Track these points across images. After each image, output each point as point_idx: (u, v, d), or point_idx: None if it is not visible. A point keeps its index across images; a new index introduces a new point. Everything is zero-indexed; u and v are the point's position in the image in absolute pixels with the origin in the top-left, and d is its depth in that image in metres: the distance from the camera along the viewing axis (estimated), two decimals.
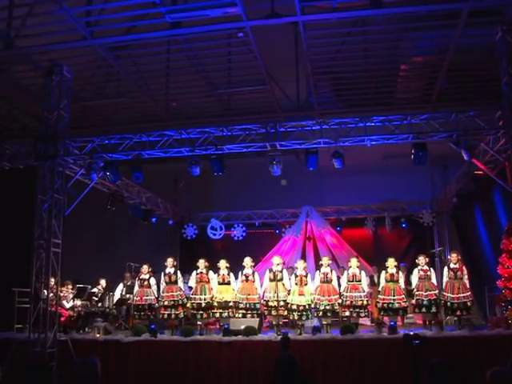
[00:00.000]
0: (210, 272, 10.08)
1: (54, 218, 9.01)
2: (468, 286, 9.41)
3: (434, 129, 8.90)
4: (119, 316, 10.96)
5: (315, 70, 10.37)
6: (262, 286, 10.16)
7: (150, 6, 8.07)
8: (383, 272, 9.91)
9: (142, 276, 10.35)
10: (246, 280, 9.97)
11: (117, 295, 11.01)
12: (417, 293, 9.59)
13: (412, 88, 11.72)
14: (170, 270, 10.09)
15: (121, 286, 11.18)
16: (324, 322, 9.54)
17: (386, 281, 9.74)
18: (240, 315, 9.70)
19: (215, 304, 9.74)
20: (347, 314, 9.73)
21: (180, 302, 9.85)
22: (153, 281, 10.34)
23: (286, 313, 9.74)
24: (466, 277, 9.48)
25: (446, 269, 9.77)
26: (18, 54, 9.33)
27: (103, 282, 11.05)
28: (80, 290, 10.40)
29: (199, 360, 8.65)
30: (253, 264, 10.28)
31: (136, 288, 10.36)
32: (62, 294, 9.96)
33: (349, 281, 9.88)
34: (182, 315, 9.87)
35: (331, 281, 9.89)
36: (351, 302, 9.62)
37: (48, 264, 8.80)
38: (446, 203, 13.65)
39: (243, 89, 11.21)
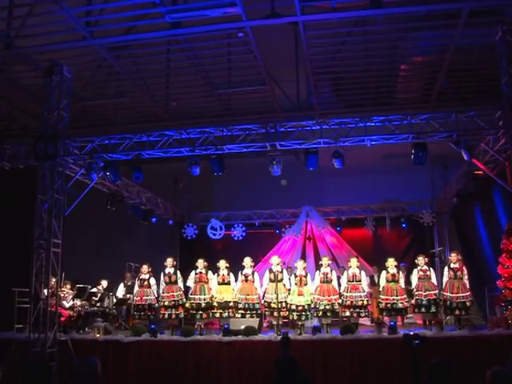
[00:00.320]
0: (209, 272, 10.08)
1: (54, 218, 9.01)
2: (468, 286, 9.41)
3: (434, 129, 8.90)
4: (119, 316, 10.96)
5: (315, 70, 10.37)
6: (261, 286, 10.17)
7: (150, 6, 8.07)
8: (384, 272, 9.92)
9: (142, 276, 10.36)
10: (246, 280, 9.97)
11: (118, 295, 11.02)
12: (416, 293, 9.60)
13: (412, 88, 11.72)
14: (169, 269, 10.09)
15: (121, 285, 11.19)
16: (324, 322, 9.54)
17: (388, 281, 9.74)
18: (239, 315, 9.70)
19: (215, 304, 9.75)
20: (347, 314, 9.74)
21: (180, 302, 9.85)
22: (153, 281, 10.35)
23: (286, 313, 9.74)
24: (466, 277, 9.49)
25: (446, 268, 9.78)
26: (18, 54, 9.32)
27: (104, 283, 11.05)
28: (80, 290, 10.40)
29: (199, 360, 8.65)
30: (252, 264, 10.29)
31: (136, 288, 10.36)
32: (61, 295, 9.96)
33: (349, 281, 9.88)
34: (182, 315, 9.87)
35: (331, 281, 9.90)
36: (351, 302, 9.63)
37: (48, 264, 8.80)
38: (446, 203, 13.65)
39: (243, 89, 11.20)
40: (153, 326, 9.34)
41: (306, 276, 9.93)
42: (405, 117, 8.95)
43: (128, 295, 10.94)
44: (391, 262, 9.85)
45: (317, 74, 10.63)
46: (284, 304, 9.67)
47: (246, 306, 9.75)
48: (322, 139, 9.13)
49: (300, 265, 10.11)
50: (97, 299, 10.45)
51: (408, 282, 10.46)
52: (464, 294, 9.24)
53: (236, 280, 10.07)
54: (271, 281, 9.91)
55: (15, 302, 9.77)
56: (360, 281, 9.87)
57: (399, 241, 14.98)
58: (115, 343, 9.00)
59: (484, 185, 10.52)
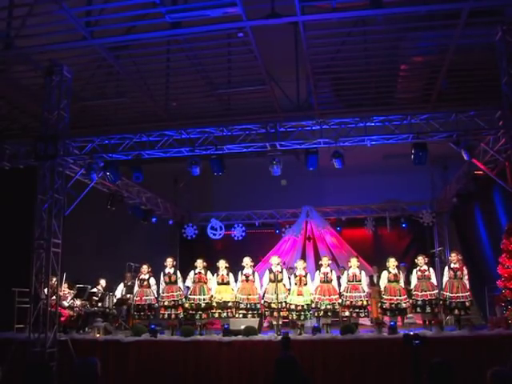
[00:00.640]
0: (208, 272, 10.08)
1: (54, 217, 9.00)
2: (468, 286, 9.41)
3: (434, 129, 8.90)
4: (119, 316, 10.96)
5: (315, 70, 10.37)
6: (261, 286, 10.17)
7: (150, 6, 8.07)
8: (385, 272, 9.91)
9: (142, 276, 10.35)
10: (247, 280, 9.97)
11: (117, 295, 11.02)
12: (413, 293, 9.62)
13: (412, 88, 11.72)
14: (169, 270, 10.09)
15: (121, 285, 11.19)
16: (324, 322, 9.54)
17: (390, 281, 9.73)
18: (241, 315, 9.70)
19: (214, 304, 9.75)
20: (347, 314, 9.73)
21: (180, 302, 9.85)
22: (152, 281, 10.34)
23: (286, 313, 9.74)
24: (466, 277, 9.48)
25: (446, 268, 9.78)
26: (18, 54, 9.32)
27: (103, 282, 11.06)
28: (80, 290, 10.40)
29: (199, 360, 8.65)
30: (252, 264, 10.29)
31: (136, 288, 10.36)
32: (61, 294, 9.96)
33: (349, 281, 9.88)
34: (181, 315, 9.87)
35: (331, 281, 9.90)
36: (351, 302, 9.62)
37: (48, 264, 8.80)
38: (446, 203, 13.65)
39: (243, 89, 11.21)
40: (153, 326, 9.34)
41: (305, 276, 9.93)
42: (405, 117, 8.95)
43: (128, 295, 10.94)
44: (392, 262, 9.85)
45: (317, 74, 10.63)
46: (284, 304, 9.66)
47: (248, 306, 9.75)
48: (322, 139, 9.13)
49: (300, 265, 10.11)
50: (97, 299, 10.45)
51: (407, 281, 10.46)
52: (463, 294, 9.23)
53: (236, 280, 10.07)
54: (271, 281, 9.91)
55: (15, 302, 9.77)
56: (360, 281, 9.87)
57: (399, 241, 14.98)
58: (115, 343, 9.00)
59: (484, 185, 10.52)
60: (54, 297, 9.08)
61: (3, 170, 10.13)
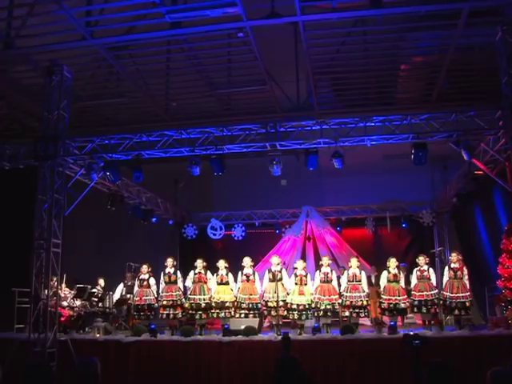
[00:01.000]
0: (208, 272, 10.09)
1: (54, 218, 9.00)
2: (468, 286, 9.40)
3: (434, 129, 8.90)
4: (119, 316, 10.96)
5: (315, 70, 10.37)
6: (262, 286, 10.17)
7: (150, 6, 8.06)
8: (385, 272, 9.91)
9: (142, 276, 10.36)
10: (247, 280, 9.98)
11: (117, 295, 11.02)
12: (412, 293, 9.62)
13: (412, 88, 11.72)
14: (169, 269, 10.10)
15: (121, 285, 11.19)
16: (324, 322, 9.54)
17: (389, 281, 9.73)
18: (242, 315, 9.70)
19: (213, 304, 9.76)
20: (347, 314, 9.74)
21: (179, 302, 9.85)
22: (152, 281, 10.34)
23: (285, 313, 9.74)
24: (467, 277, 9.48)
25: (446, 268, 9.78)
26: (18, 54, 9.32)
27: (102, 282, 11.05)
28: (80, 290, 10.39)
29: (199, 360, 8.65)
30: (252, 264, 10.29)
31: (136, 288, 10.36)
32: (61, 294, 9.97)
33: (349, 281, 9.88)
34: (180, 315, 9.86)
35: (331, 281, 9.90)
36: (351, 302, 9.62)
37: (48, 264, 8.79)
38: (446, 203, 13.65)
39: (243, 89, 11.20)
40: (153, 326, 9.34)
41: (306, 276, 9.94)
42: (405, 117, 8.95)
43: (128, 295, 10.93)
44: (393, 262, 9.84)
45: (317, 74, 10.62)
46: (281, 303, 9.65)
47: (250, 305, 9.76)
48: (322, 139, 9.13)
49: (300, 265, 10.12)
50: (97, 299, 10.45)
51: (408, 281, 10.46)
52: (464, 294, 9.23)
53: (236, 280, 10.07)
54: (270, 280, 9.93)
55: (15, 301, 9.78)
56: (360, 281, 9.87)
57: (399, 241, 14.98)
58: (115, 343, 9.00)
59: (484, 185, 10.52)
60: (55, 297, 9.08)
61: (3, 169, 10.13)
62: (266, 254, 13.67)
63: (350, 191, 14.47)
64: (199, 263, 10.06)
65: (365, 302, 9.67)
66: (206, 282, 9.95)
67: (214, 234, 15.02)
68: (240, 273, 10.08)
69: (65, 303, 10.27)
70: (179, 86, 11.51)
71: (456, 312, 9.22)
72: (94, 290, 10.61)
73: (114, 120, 12.36)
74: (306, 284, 9.83)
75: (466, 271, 9.53)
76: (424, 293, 9.43)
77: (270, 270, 10.09)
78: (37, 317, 8.54)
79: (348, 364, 8.23)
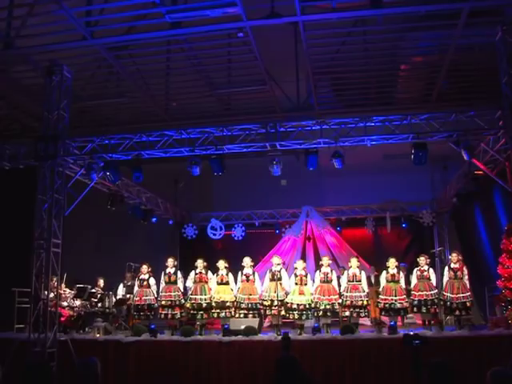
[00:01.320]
0: (209, 272, 10.09)
1: (54, 218, 9.00)
2: (468, 286, 9.40)
3: (434, 129, 8.90)
4: (119, 316, 10.96)
5: (315, 70, 10.36)
6: (262, 286, 10.17)
7: (150, 6, 8.06)
8: (384, 272, 9.92)
9: (142, 276, 10.35)
10: (247, 280, 9.98)
11: (118, 295, 11.02)
12: (412, 293, 9.62)
13: (412, 88, 11.72)
14: (170, 269, 10.10)
15: (121, 286, 11.19)
16: (324, 322, 9.54)
17: (387, 281, 9.74)
18: (242, 315, 9.71)
19: (213, 304, 9.76)
20: (347, 313, 9.74)
21: (177, 303, 9.85)
22: (152, 281, 10.34)
23: (283, 312, 9.74)
24: (467, 277, 9.48)
25: (446, 268, 9.78)
26: (18, 54, 9.31)
27: (101, 282, 11.05)
28: (80, 290, 10.39)
29: (199, 360, 8.65)
30: (252, 264, 10.30)
31: (136, 288, 10.36)
32: (62, 294, 9.97)
33: (349, 281, 9.88)
34: (178, 315, 9.85)
35: (331, 281, 9.91)
36: (351, 302, 9.62)
37: (48, 264, 8.79)
38: (446, 203, 13.65)
39: (243, 89, 11.19)
40: (153, 326, 9.34)
41: (306, 276, 9.94)
42: (405, 117, 8.95)
43: (128, 295, 10.93)
44: (392, 262, 9.85)
45: (317, 74, 10.62)
46: (279, 303, 9.64)
47: (249, 305, 9.76)
48: (322, 139, 9.13)
49: (300, 265, 10.12)
50: (97, 299, 10.45)
51: (408, 281, 10.46)
52: (464, 295, 9.23)
53: (236, 280, 10.08)
54: (270, 280, 9.94)
55: (15, 301, 9.78)
56: (360, 281, 9.87)
57: (399, 241, 14.98)
58: (115, 343, 9.00)
59: (484, 185, 10.52)
60: (55, 297, 9.08)
61: (3, 169, 10.12)
62: (266, 254, 13.66)
63: (350, 191, 14.47)
64: (200, 263, 10.06)
65: (365, 302, 9.68)
66: (206, 282, 9.96)
67: (214, 234, 15.02)
68: (240, 273, 10.08)
69: (65, 303, 10.27)
70: (179, 86, 11.51)
71: (457, 312, 9.22)
72: (93, 290, 10.60)
73: (114, 120, 12.36)
74: (305, 284, 9.84)
75: (465, 271, 9.53)
76: (424, 292, 9.43)
77: (270, 270, 10.10)
78: (37, 317, 8.54)
79: (348, 364, 8.24)
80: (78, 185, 9.99)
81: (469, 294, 9.29)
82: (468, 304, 9.21)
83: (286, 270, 10.55)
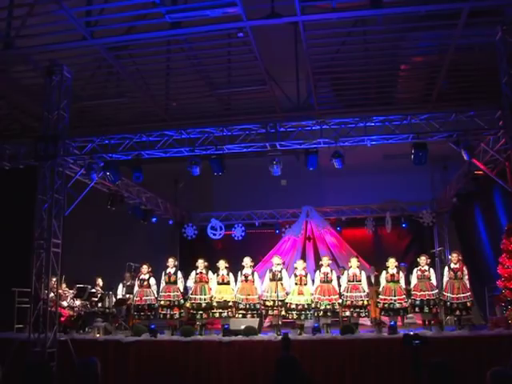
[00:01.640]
0: (209, 272, 10.09)
1: (54, 218, 9.00)
2: (468, 286, 9.40)
3: (434, 129, 8.90)
4: (119, 316, 10.96)
5: (315, 70, 10.36)
6: (262, 286, 10.17)
7: (150, 6, 8.06)
8: (384, 272, 9.92)
9: (142, 276, 10.35)
10: (246, 280, 9.98)
11: (118, 295, 11.02)
12: (412, 293, 9.62)
13: (412, 88, 11.72)
14: (170, 269, 10.10)
15: (120, 286, 11.19)
16: (324, 322, 9.54)
17: (387, 281, 9.74)
18: (240, 315, 9.70)
19: (214, 304, 9.75)
20: (347, 313, 9.73)
21: (176, 303, 9.83)
22: (152, 281, 10.33)
23: (283, 312, 9.74)
24: (467, 277, 9.48)
25: (446, 268, 9.78)
26: (18, 54, 9.31)
27: (100, 281, 11.05)
28: (80, 290, 10.40)
29: (199, 360, 8.65)
30: (252, 264, 10.29)
31: (136, 288, 10.36)
32: (62, 294, 9.96)
33: (349, 281, 9.88)
34: (177, 316, 9.84)
35: (331, 281, 9.90)
36: (352, 302, 9.62)
37: (48, 264, 8.79)
38: (446, 203, 13.65)
39: (243, 89, 11.19)
40: (153, 326, 9.34)
41: (305, 276, 9.94)
42: (405, 117, 8.95)
43: (128, 295, 10.93)
44: (392, 262, 9.84)
45: (317, 74, 10.62)
46: (280, 303, 9.64)
47: (247, 306, 9.76)
48: (322, 139, 9.13)
49: (300, 265, 10.12)
50: (97, 299, 10.45)
51: (408, 281, 10.46)
52: (465, 295, 9.23)
53: (236, 280, 10.07)
54: (270, 280, 9.94)
55: (15, 301, 9.78)
56: (360, 281, 9.87)
57: (399, 241, 14.98)
58: (115, 343, 9.00)
59: (484, 185, 10.52)
60: (55, 297, 9.08)
61: (3, 169, 10.13)
62: (266, 253, 13.67)
63: (350, 191, 14.47)
64: (201, 263, 10.06)
65: (365, 302, 9.67)
66: (207, 282, 9.95)
67: (214, 234, 15.02)
68: (240, 273, 10.08)
69: (65, 303, 10.27)
70: (179, 86, 11.51)
71: (457, 312, 9.22)
72: (93, 290, 10.60)
73: (114, 120, 12.35)
74: (305, 284, 9.84)
75: (465, 271, 9.53)
76: (426, 292, 9.42)
77: (270, 270, 10.10)
78: (37, 317, 8.54)
79: (348, 364, 8.23)
80: (78, 185, 9.99)
81: (469, 293, 9.29)
82: (468, 304, 9.20)
83: (286, 269, 10.56)
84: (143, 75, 10.94)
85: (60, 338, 8.90)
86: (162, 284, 10.05)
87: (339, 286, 10.09)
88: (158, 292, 10.19)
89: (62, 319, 9.84)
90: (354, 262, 10.07)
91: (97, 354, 8.39)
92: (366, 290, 9.95)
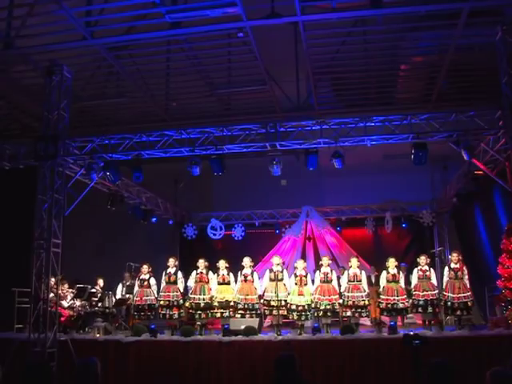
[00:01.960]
0: (210, 272, 10.09)
1: (54, 218, 9.00)
2: (468, 285, 9.40)
3: (434, 129, 8.90)
4: (119, 316, 10.96)
5: (315, 70, 10.36)
6: (262, 285, 10.17)
7: (150, 6, 8.06)
8: (384, 272, 9.91)
9: (142, 276, 10.35)
10: (245, 280, 9.97)
11: (117, 295, 11.02)
12: (414, 293, 9.61)
13: (412, 88, 11.72)
14: (171, 269, 10.10)
15: (120, 286, 11.19)
16: (324, 322, 9.54)
17: (388, 281, 9.72)
18: (239, 315, 9.70)
19: (215, 304, 9.75)
20: (348, 314, 9.72)
21: (175, 303, 9.83)
22: (153, 281, 10.33)
23: (286, 312, 9.74)
24: (467, 277, 9.48)
25: (446, 268, 9.77)
26: (18, 54, 9.31)
27: (101, 282, 11.06)
28: (80, 290, 10.40)
29: (199, 360, 8.65)
30: (252, 264, 10.29)
31: (136, 288, 10.36)
32: (61, 294, 9.96)
33: (349, 281, 9.87)
34: (176, 316, 9.83)
35: (331, 281, 9.90)
36: (353, 302, 9.61)
37: (48, 264, 8.79)
38: (446, 203, 13.65)
39: (243, 89, 11.19)
40: (153, 326, 9.34)
41: (306, 276, 9.94)
42: (405, 117, 8.95)
43: (128, 295, 10.93)
44: (392, 262, 9.84)
45: (317, 74, 10.62)
46: (283, 303, 9.65)
47: (246, 306, 9.75)
48: (322, 139, 9.13)
49: (300, 265, 10.12)
50: (97, 299, 10.45)
51: (408, 281, 10.46)
52: (465, 295, 9.22)
53: (236, 280, 10.07)
54: (271, 280, 9.92)
55: (15, 302, 9.78)
56: (361, 281, 9.86)
57: (399, 241, 14.99)
58: (115, 343, 9.00)
59: (484, 185, 10.52)
60: (55, 297, 9.08)
61: (3, 169, 10.13)
62: (266, 254, 13.67)
63: (350, 191, 14.48)
64: (201, 263, 10.06)
65: (366, 302, 9.67)
66: (207, 282, 9.95)
67: (214, 234, 15.02)
68: (240, 273, 10.08)
69: (65, 303, 10.27)
70: (179, 86, 11.51)
71: (458, 312, 9.22)
72: (93, 290, 10.60)
73: (114, 120, 12.35)
74: (305, 284, 9.83)
75: (466, 271, 9.53)
76: (429, 292, 9.42)
77: (271, 270, 10.08)
78: (37, 317, 8.54)
79: (348, 364, 8.23)
80: (78, 185, 9.99)
81: (469, 293, 9.28)
82: (469, 304, 9.20)
83: (286, 269, 10.56)
84: (143, 75, 10.93)
85: (60, 338, 8.90)
86: (163, 284, 10.05)
87: (339, 286, 10.09)
88: (158, 292, 10.19)
89: (62, 319, 9.83)
90: (354, 261, 10.07)
91: (97, 354, 8.38)
92: (367, 290, 9.94)
